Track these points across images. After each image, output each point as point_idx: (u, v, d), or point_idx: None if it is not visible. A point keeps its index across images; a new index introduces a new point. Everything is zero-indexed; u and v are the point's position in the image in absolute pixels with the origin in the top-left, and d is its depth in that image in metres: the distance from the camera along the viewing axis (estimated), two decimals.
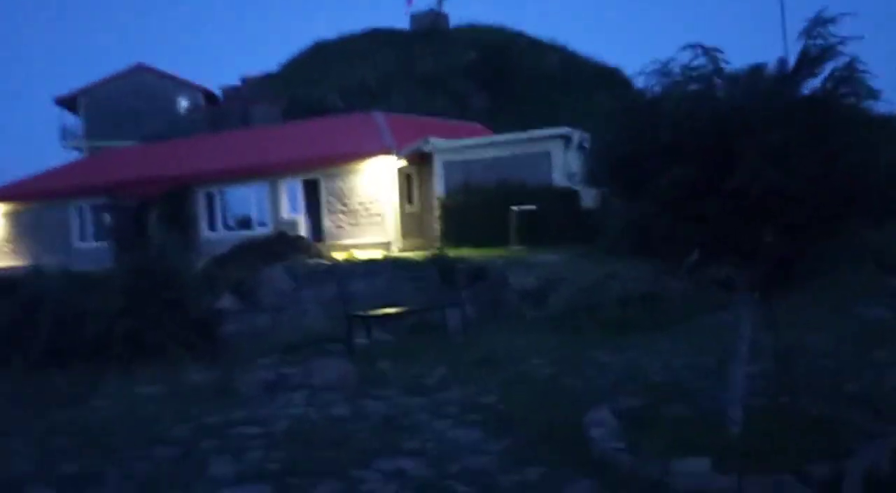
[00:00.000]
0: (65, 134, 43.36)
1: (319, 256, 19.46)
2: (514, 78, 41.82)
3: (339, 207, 21.90)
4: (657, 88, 4.90)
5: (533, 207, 18.91)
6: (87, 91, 42.59)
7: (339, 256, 19.81)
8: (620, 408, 5.47)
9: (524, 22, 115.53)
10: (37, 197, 26.91)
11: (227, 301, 16.17)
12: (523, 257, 16.11)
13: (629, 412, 5.39)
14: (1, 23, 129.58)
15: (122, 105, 41.74)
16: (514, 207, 19.00)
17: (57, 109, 43.75)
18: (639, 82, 5.20)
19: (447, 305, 11.00)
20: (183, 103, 42.95)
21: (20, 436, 6.36)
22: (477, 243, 18.74)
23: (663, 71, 4.88)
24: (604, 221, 16.40)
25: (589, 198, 18.82)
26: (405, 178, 21.86)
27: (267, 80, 47.00)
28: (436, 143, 21.40)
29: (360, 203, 21.59)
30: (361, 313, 9.72)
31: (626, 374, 7.14)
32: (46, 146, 55.97)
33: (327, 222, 22.11)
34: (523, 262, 15.23)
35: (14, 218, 27.00)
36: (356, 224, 21.60)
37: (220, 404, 7.02)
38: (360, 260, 17.83)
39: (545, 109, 36.34)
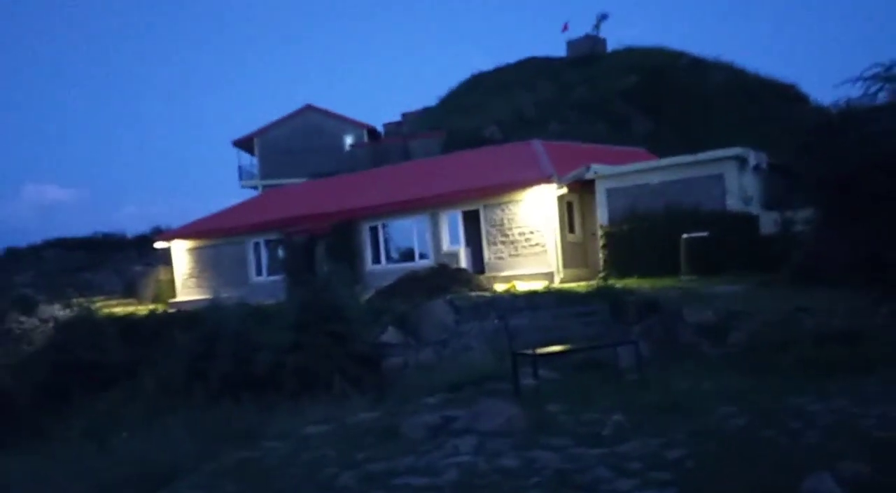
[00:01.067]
0: (241, 174, 46.31)
1: (481, 288, 19.22)
2: (678, 99, 40.16)
3: (500, 237, 21.62)
4: (883, 95, 4.14)
5: (705, 233, 17.73)
6: (260, 133, 45.34)
7: (501, 287, 19.48)
8: (844, 474, 4.62)
9: (686, 41, 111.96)
10: (217, 234, 28.64)
11: (390, 335, 16.24)
12: (697, 289, 15.03)
13: (856, 480, 4.54)
14: (186, 74, 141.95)
15: (292, 145, 44.05)
16: (685, 235, 17.91)
17: (235, 151, 46.88)
18: (838, 93, 4.46)
19: (619, 342, 10.29)
20: (348, 140, 44.67)
21: (191, 476, 6.38)
22: (643, 273, 17.80)
23: (886, 75, 4.12)
24: (788, 247, 15.02)
25: (769, 223, 17.39)
26: (566, 206, 21.27)
27: (425, 114, 48.07)
28: (598, 169, 20.68)
29: (521, 233, 21.20)
30: (528, 351, 9.21)
31: (838, 427, 6.17)
32: (226, 186, 60.08)
33: (488, 253, 21.88)
34: (697, 294, 14.18)
35: (197, 254, 28.87)
36: (517, 255, 21.21)
37: (385, 449, 6.75)
38: (521, 292, 17.41)
39: (712, 130, 34.53)
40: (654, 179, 19.87)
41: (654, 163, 21.25)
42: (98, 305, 26.91)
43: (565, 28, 46.66)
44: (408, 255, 24.51)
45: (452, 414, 7.84)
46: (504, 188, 21.58)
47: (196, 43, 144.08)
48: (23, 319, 26.31)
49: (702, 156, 19.40)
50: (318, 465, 6.40)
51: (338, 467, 6.23)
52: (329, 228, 24.93)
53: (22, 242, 39.01)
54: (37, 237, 39.91)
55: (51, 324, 25.69)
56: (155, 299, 29.43)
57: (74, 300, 27.50)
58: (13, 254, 37.41)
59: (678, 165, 19.77)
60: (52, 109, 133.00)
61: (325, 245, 24.92)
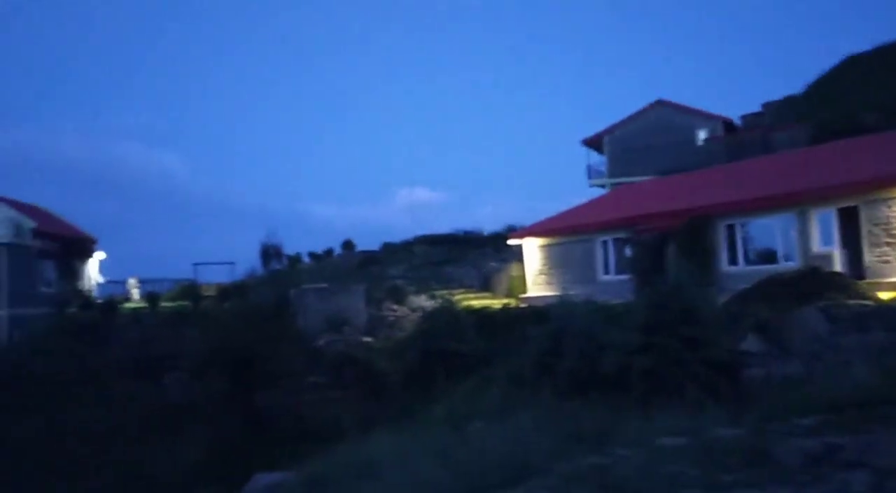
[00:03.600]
0: (590, 173, 46.64)
1: (860, 295, 16.75)
2: None
3: (885, 238, 18.69)
4: None
5: None
6: (610, 131, 45.18)
7: (885, 295, 16.81)
8: None
9: None
10: (566, 232, 29.03)
11: (750, 343, 14.83)
12: None
13: None
14: (538, 76, 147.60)
15: (641, 141, 43.19)
16: None
17: (584, 150, 47.36)
18: None
19: None
20: (700, 135, 42.53)
21: (544, 477, 6.20)
22: None
23: None
24: None
25: None
26: None
27: (790, 103, 43.90)
28: None
29: None
30: None
31: None
32: (575, 185, 61.25)
33: (869, 256, 19.06)
34: None
35: (547, 251, 29.56)
36: None
37: (753, 474, 5.91)
38: None
39: None
40: None
41: None
42: (457, 297, 28.94)
43: None
44: (769, 256, 22.40)
45: (836, 441, 6.66)
46: (892, 181, 18.58)
47: (545, 45, 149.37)
48: (395, 307, 29.30)
49: None
50: (677, 483, 5.80)
51: (700, 488, 5.57)
52: (680, 226, 23.78)
53: (396, 238, 43.75)
54: (408, 234, 44.48)
55: (418, 313, 28.22)
56: (508, 294, 30.79)
57: (438, 292, 29.93)
58: (388, 249, 42.10)
59: None
60: (425, 122, 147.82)
61: (676, 244, 23.81)
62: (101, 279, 45.23)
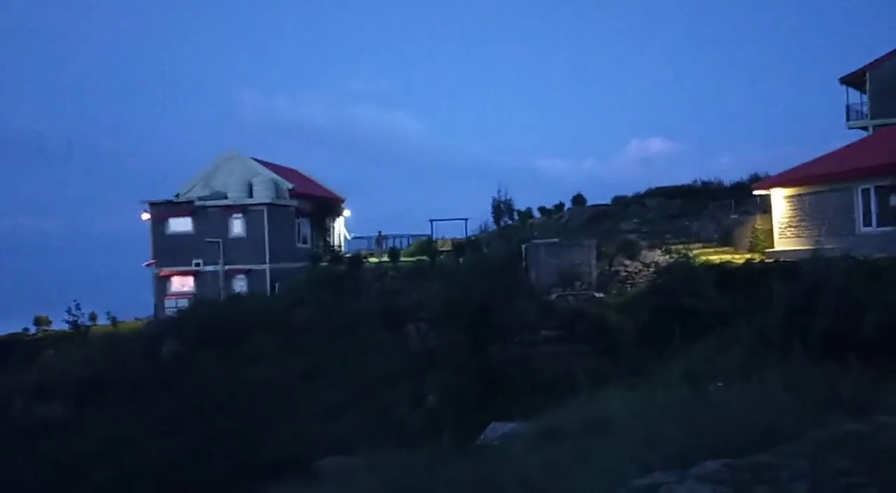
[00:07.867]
0: (848, 114, 42.00)
1: None
2: None
3: None
4: None
5: None
6: (874, 66, 40.23)
7: None
8: None
9: None
10: (819, 180, 26.51)
11: None
12: None
13: None
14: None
15: None
16: None
17: (842, 89, 42.63)
18: None
19: None
20: None
21: (795, 443, 5.71)
22: None
23: None
24: None
25: None
26: None
27: None
28: None
29: None
30: None
31: None
32: (831, 128, 55.48)
33: None
34: None
35: (796, 202, 27.20)
36: None
37: None
38: None
39: None
40: None
41: None
42: (694, 252, 27.64)
43: None
44: None
45: None
46: None
47: None
48: (627, 262, 28.61)
49: None
50: None
51: None
52: None
53: (627, 191, 42.40)
54: (640, 187, 42.89)
55: (651, 268, 27.35)
56: (751, 248, 28.87)
57: (673, 247, 28.77)
58: (619, 203, 41.04)
59: None
60: (660, 70, 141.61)
61: None
62: (348, 236, 48.85)
